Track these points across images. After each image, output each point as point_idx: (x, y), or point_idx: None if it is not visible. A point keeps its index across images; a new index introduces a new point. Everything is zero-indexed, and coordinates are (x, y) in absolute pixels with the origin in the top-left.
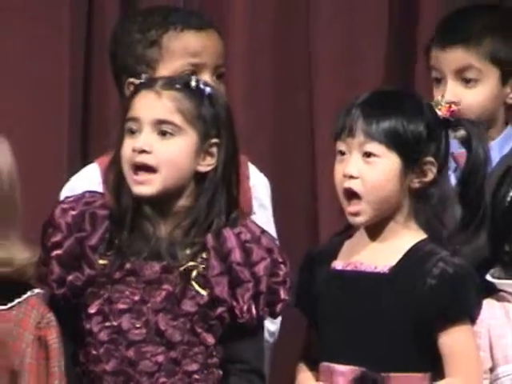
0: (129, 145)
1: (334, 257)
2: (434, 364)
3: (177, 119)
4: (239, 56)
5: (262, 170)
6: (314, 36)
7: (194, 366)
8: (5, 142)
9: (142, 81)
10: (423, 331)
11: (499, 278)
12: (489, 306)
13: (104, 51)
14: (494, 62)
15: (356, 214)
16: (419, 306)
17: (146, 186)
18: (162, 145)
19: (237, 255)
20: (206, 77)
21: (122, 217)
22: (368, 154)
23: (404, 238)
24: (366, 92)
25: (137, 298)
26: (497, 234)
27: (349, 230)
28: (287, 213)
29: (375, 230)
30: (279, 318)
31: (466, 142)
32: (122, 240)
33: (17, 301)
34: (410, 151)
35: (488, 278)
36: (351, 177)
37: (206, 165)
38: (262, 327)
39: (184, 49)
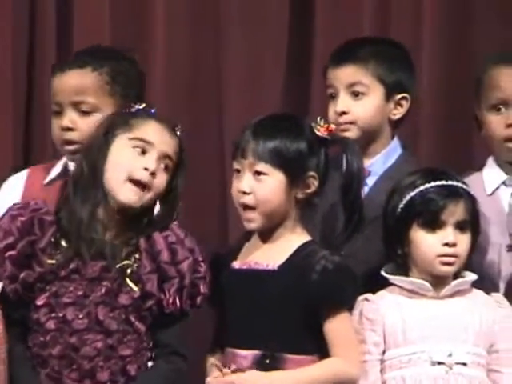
0: (140, 163)
1: (235, 258)
2: (323, 348)
3: (174, 158)
4: (159, 75)
5: None
6: (222, 57)
7: (128, 351)
8: None
9: (152, 110)
10: (311, 319)
11: (391, 274)
12: (382, 297)
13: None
14: (379, 81)
15: (250, 221)
16: (306, 297)
17: (136, 199)
18: (160, 176)
19: (165, 255)
20: (67, 113)
21: (71, 228)
22: (258, 173)
23: (291, 240)
24: (257, 117)
25: (80, 292)
26: (390, 239)
27: (252, 233)
28: (199, 212)
29: (266, 234)
30: None
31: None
32: (69, 243)
33: None
34: (293, 168)
35: (382, 273)
36: (244, 193)
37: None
38: (185, 316)
39: (52, 90)
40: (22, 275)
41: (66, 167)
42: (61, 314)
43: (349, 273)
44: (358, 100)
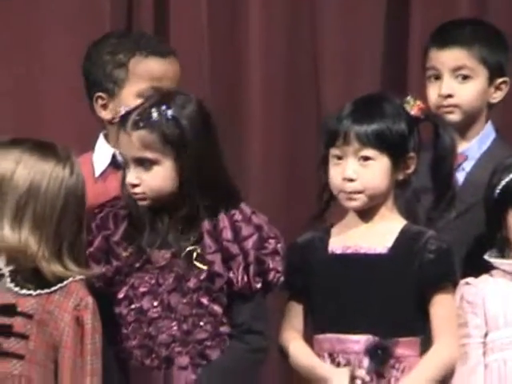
0: (126, 178)
1: (325, 243)
2: (426, 328)
3: (148, 154)
4: (253, 63)
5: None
6: (318, 41)
7: (204, 335)
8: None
9: (120, 115)
10: (421, 299)
11: (494, 258)
12: (484, 280)
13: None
14: (483, 64)
15: (353, 200)
16: (420, 277)
17: (143, 202)
18: (146, 176)
19: (227, 234)
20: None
21: (140, 221)
22: (364, 158)
23: (392, 221)
24: (350, 102)
25: (153, 281)
26: (490, 223)
27: (322, 216)
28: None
29: (367, 215)
30: None
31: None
32: (141, 236)
33: (59, 286)
34: (396, 150)
35: (486, 257)
36: (350, 180)
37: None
38: (258, 294)
39: (148, 73)
40: (102, 270)
41: (114, 157)
42: (138, 305)
43: (454, 253)
44: (463, 83)
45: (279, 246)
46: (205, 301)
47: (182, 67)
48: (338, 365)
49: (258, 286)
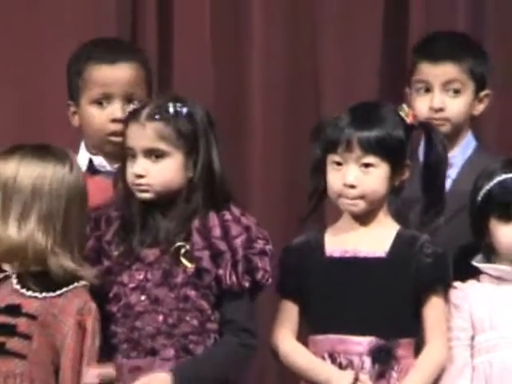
0: (130, 170)
1: (321, 246)
2: (418, 329)
3: (162, 145)
4: (255, 68)
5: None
6: (319, 55)
7: (188, 329)
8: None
9: (129, 111)
10: (417, 302)
11: (481, 263)
12: (471, 285)
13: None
14: (471, 77)
15: (354, 205)
16: (416, 280)
17: (145, 194)
18: (154, 168)
19: (216, 231)
20: (117, 105)
21: (132, 221)
22: (366, 165)
23: (387, 225)
24: (348, 108)
25: (141, 277)
26: (475, 229)
27: (309, 218)
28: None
29: (365, 219)
30: None
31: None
32: (133, 235)
33: (64, 289)
34: (396, 157)
35: (474, 263)
36: (351, 186)
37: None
38: (247, 292)
39: (98, 80)
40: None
41: (91, 162)
42: (126, 301)
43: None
44: (454, 97)
45: (267, 247)
46: (192, 295)
47: (185, 84)
48: (340, 365)
49: (247, 284)
